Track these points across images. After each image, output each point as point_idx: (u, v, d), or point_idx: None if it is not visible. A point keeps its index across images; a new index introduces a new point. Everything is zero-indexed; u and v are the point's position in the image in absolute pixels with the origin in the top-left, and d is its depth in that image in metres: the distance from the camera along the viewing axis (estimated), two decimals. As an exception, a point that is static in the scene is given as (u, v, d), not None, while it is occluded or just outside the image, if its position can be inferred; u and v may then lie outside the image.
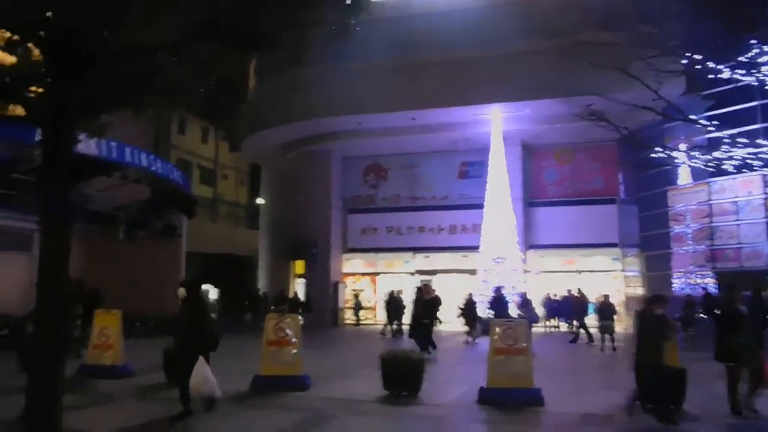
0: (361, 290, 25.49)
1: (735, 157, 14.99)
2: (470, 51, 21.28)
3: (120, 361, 10.23)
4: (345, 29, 5.81)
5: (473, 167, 24.71)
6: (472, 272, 22.15)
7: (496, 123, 22.09)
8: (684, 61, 15.09)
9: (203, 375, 6.58)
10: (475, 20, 21.53)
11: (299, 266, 26.11)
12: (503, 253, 21.06)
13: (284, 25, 5.28)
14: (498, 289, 16.66)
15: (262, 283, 27.95)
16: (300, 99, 22.56)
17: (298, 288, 25.82)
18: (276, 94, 23.32)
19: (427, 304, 14.09)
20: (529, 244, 23.38)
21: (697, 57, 14.68)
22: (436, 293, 14.83)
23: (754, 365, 7.30)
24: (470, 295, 18.43)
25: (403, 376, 8.45)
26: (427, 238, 24.91)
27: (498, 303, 16.02)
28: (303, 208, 25.35)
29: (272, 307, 19.76)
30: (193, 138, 35.02)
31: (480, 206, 22.03)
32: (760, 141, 14.69)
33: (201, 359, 6.55)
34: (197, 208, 21.88)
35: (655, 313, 7.32)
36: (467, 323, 17.40)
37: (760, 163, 14.93)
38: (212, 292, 27.15)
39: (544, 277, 23.30)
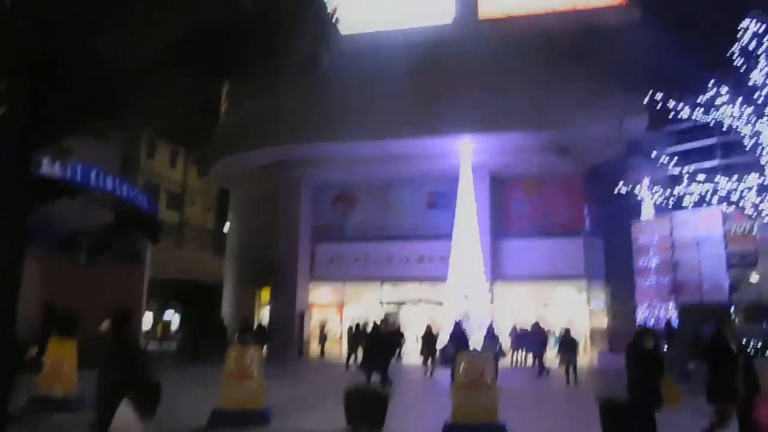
0: (327, 321, 25.18)
1: (694, 193, 15.39)
2: (440, 82, 21.60)
3: (73, 392, 9.84)
4: (315, 62, 5.82)
5: (442, 197, 24.82)
6: (440, 303, 22.10)
7: (465, 154, 22.31)
8: (646, 99, 15.50)
9: (125, 421, 4.71)
10: (446, 52, 21.92)
11: (265, 294, 25.73)
12: (470, 285, 21.08)
13: (255, 55, 5.27)
14: (458, 323, 16.57)
15: (226, 311, 27.44)
16: (271, 125, 22.55)
17: (264, 317, 25.41)
18: (247, 120, 23.27)
19: (386, 338, 13.97)
20: (497, 275, 23.47)
21: (659, 95, 15.11)
22: (398, 326, 14.72)
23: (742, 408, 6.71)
24: (428, 327, 18.36)
25: (366, 411, 8.30)
26: (395, 268, 24.80)
27: (458, 336, 15.87)
28: (271, 235, 25.08)
29: (236, 337, 19.37)
30: (162, 161, 34.61)
31: (449, 237, 22.08)
32: (718, 178, 15.10)
33: (124, 402, 4.78)
34: (162, 233, 21.51)
35: (647, 348, 7.23)
36: (425, 355, 17.34)
37: (717, 199, 15.33)
38: (174, 320, 26.58)
39: (512, 309, 23.36)
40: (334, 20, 5.86)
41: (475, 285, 21.14)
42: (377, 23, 23.58)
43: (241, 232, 28.31)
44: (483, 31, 22.65)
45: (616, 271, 23.46)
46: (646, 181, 18.54)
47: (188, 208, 37.28)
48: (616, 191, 17.52)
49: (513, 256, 23.86)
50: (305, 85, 16.32)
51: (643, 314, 21.84)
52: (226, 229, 31.08)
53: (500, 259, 23.92)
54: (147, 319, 25.50)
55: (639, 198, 19.25)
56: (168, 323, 30.95)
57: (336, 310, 25.58)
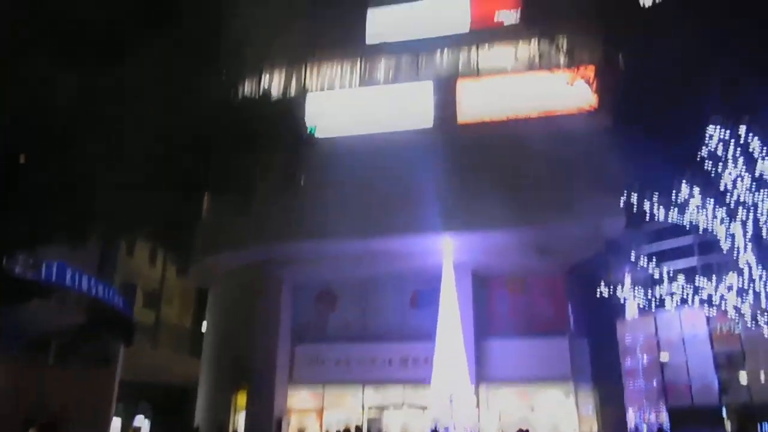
0: (306, 428, 24.05)
1: (675, 293, 15.42)
2: (421, 182, 21.98)
3: None
4: (293, 182, 5.92)
5: (426, 296, 24.52)
6: (424, 408, 21.30)
7: (447, 253, 22.36)
8: (622, 201, 15.85)
9: None
10: (426, 154, 22.47)
11: (242, 399, 24.67)
12: (455, 388, 20.44)
13: (233, 172, 5.33)
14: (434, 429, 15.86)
15: (200, 417, 26.15)
16: (253, 224, 22.51)
17: (240, 423, 24.22)
18: (228, 219, 23.31)
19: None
20: (481, 377, 22.83)
21: (634, 197, 15.45)
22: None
23: None
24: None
25: None
26: (378, 371, 23.99)
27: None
28: (248, 336, 24.41)
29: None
30: (141, 259, 34.22)
31: (433, 337, 21.64)
32: (698, 280, 15.18)
33: None
34: (136, 334, 20.87)
35: None
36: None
37: (699, 300, 15.34)
38: (144, 426, 25.29)
39: (498, 413, 22.56)
40: (311, 138, 6.04)
41: (460, 388, 20.50)
42: (358, 127, 24.30)
43: (218, 333, 27.54)
44: (462, 134, 23.38)
45: (603, 372, 22.93)
46: (627, 280, 18.61)
47: (165, 308, 36.45)
48: (598, 292, 17.51)
49: (497, 357, 23.30)
50: (280, 185, 16.58)
51: (633, 419, 21.15)
52: (203, 329, 30.28)
53: (485, 360, 23.32)
54: (115, 425, 24.18)
55: (622, 298, 19.23)
56: (138, 430, 29.38)
57: (315, 415, 24.47)
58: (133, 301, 30.44)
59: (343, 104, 25.06)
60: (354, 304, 25.50)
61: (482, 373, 22.95)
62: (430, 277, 23.08)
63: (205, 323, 29.80)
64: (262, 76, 25.65)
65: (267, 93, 21.27)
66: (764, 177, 13.76)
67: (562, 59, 22.73)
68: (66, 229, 5.64)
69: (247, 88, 25.44)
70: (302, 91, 25.09)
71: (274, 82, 25.73)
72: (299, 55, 25.70)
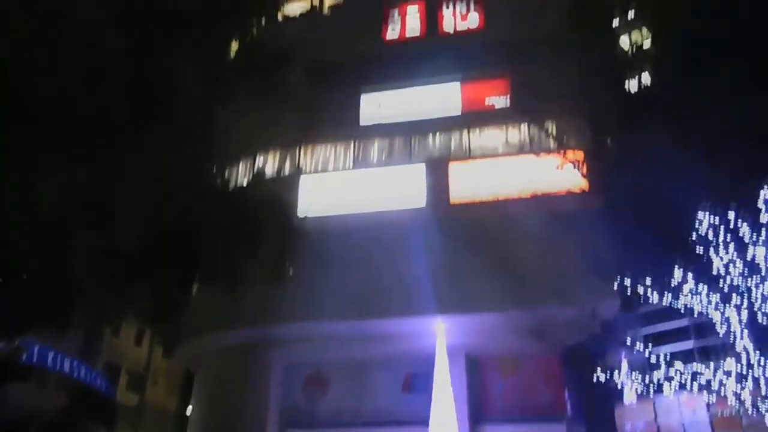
0: None
1: (673, 379, 15.12)
2: (414, 262, 21.92)
3: None
4: (281, 273, 5.91)
5: (419, 379, 23.90)
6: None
7: (440, 335, 22.00)
8: (616, 284, 15.83)
9: None
10: (419, 234, 22.55)
11: (227, 489, 23.48)
12: (449, 478, 19.60)
13: (221, 258, 5.32)
14: None
15: None
16: (242, 306, 22.17)
17: None
18: (217, 300, 22.99)
19: None
20: (477, 465, 21.94)
21: (628, 280, 15.44)
22: None
23: None
24: None
25: None
26: (370, 459, 23.06)
27: None
28: (236, 420, 23.53)
29: None
30: (127, 340, 33.48)
31: (426, 423, 20.94)
32: (695, 365, 14.93)
33: None
34: (119, 419, 20.08)
35: None
36: None
37: (698, 386, 15.04)
38: None
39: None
40: (300, 225, 6.06)
41: (454, 478, 19.66)
42: (351, 207, 24.48)
43: (204, 416, 26.54)
44: (455, 215, 23.56)
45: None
46: (624, 364, 18.25)
47: (151, 389, 35.32)
48: (594, 377, 17.16)
49: (494, 443, 22.50)
50: (271, 266, 16.53)
51: None
52: (188, 411, 29.23)
53: (480, 447, 22.51)
54: None
55: (619, 383, 18.82)
56: None
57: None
58: (116, 383, 29.57)
59: (336, 185, 25.35)
60: (345, 388, 24.73)
61: (478, 461, 22.09)
62: (424, 360, 22.60)
63: (190, 406, 28.79)
64: (256, 159, 26.09)
65: (258, 178, 21.57)
66: (756, 262, 13.81)
67: (551, 143, 23.29)
68: (52, 315, 5.53)
69: (241, 171, 25.86)
70: (296, 173, 25.46)
71: (268, 165, 26.14)
72: (293, 138, 26.21)
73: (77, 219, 4.84)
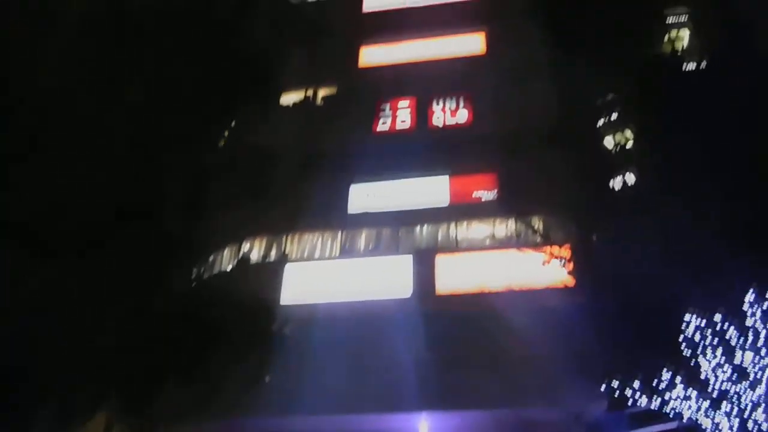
0: None
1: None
2: (399, 356, 21.36)
3: None
4: (258, 380, 5.70)
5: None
6: None
7: (424, 432, 21.18)
8: (603, 386, 15.45)
9: None
10: (404, 325, 22.10)
11: None
12: None
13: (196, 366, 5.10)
14: None
15: None
16: (217, 398, 21.18)
17: None
18: (191, 391, 22.10)
19: None
20: None
21: (616, 382, 15.10)
22: None
23: None
24: None
25: None
26: None
27: None
28: None
29: None
30: (96, 429, 31.83)
31: None
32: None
33: None
34: None
35: None
36: None
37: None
38: None
39: None
40: (280, 334, 5.90)
41: None
42: (335, 295, 24.14)
43: None
44: (441, 306, 23.23)
45: None
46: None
47: (117, 483, 33.25)
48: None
49: None
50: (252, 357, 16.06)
51: None
52: None
53: None
54: None
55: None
56: None
57: None
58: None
59: (322, 274, 25.14)
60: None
61: None
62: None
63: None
64: (241, 248, 26.00)
65: (242, 266, 21.46)
66: (744, 366, 13.55)
67: (537, 238, 23.41)
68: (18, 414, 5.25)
69: (226, 259, 25.68)
70: (281, 260, 25.31)
71: (253, 252, 26.00)
72: (280, 226, 26.21)
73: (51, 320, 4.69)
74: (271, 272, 24.77)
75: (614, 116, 28.31)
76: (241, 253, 25.78)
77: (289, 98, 30.95)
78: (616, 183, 25.31)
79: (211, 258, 25.80)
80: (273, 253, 25.81)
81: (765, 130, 17.44)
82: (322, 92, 31.50)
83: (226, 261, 26.02)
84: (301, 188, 26.76)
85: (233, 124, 27.41)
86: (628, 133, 27.22)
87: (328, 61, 31.11)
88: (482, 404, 20.25)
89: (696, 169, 17.67)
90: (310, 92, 31.30)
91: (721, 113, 18.27)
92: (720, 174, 17.02)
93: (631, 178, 24.96)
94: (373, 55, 31.72)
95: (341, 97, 30.69)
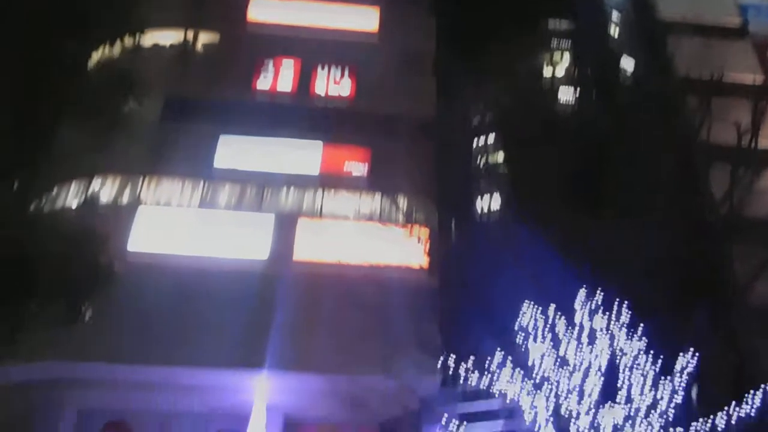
0: None
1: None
2: (240, 314, 20.96)
3: None
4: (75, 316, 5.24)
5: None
6: None
7: (260, 392, 21.06)
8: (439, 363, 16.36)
9: None
10: (253, 284, 21.75)
11: None
12: None
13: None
14: None
15: None
16: (29, 337, 19.25)
17: None
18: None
19: None
20: None
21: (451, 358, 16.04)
22: None
23: None
24: None
25: None
26: None
27: None
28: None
29: None
30: None
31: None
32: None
33: None
34: None
35: None
36: None
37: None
38: None
39: None
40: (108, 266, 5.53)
41: None
42: (186, 247, 23.28)
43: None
44: (295, 272, 23.15)
45: None
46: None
47: None
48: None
49: None
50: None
51: None
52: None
53: None
54: None
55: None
56: None
57: None
58: None
59: (176, 222, 24.01)
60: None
61: None
62: (237, 417, 21.36)
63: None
64: (91, 184, 24.10)
65: (89, 204, 19.92)
66: (566, 357, 15.02)
67: (400, 216, 24.16)
68: None
69: (71, 197, 23.68)
70: (134, 203, 23.80)
71: (104, 191, 24.19)
72: (137, 167, 24.62)
73: None
74: (121, 214, 23.24)
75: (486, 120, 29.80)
76: (90, 189, 23.86)
77: (165, 36, 28.94)
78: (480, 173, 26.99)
79: (55, 190, 23.64)
80: (126, 195, 24.18)
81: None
82: (203, 38, 29.82)
83: (72, 195, 23.97)
84: (166, 131, 25.33)
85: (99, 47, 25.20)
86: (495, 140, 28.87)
87: (214, 7, 29.57)
88: (320, 368, 20.51)
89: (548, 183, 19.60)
90: (190, 35, 29.49)
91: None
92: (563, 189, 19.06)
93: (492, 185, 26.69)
94: (262, 9, 30.57)
95: (223, 46, 29.33)
